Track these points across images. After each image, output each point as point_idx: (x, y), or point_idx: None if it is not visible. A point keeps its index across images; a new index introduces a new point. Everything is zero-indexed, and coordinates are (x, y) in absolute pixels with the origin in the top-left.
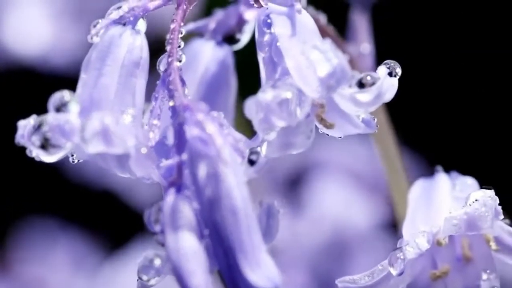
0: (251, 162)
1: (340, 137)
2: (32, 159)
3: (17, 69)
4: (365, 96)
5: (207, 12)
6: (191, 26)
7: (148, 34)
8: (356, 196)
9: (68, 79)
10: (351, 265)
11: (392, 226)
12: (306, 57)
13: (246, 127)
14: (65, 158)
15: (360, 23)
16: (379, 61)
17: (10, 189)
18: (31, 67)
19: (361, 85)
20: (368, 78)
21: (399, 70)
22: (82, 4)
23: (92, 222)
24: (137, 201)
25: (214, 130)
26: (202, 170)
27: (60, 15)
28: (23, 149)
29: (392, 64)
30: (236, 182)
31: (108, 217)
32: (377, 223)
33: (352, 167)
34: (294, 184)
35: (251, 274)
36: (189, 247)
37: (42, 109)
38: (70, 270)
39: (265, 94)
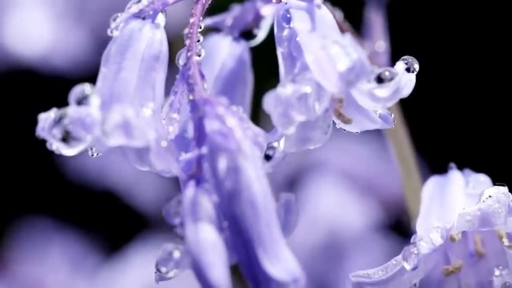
0: (267, 157)
1: (357, 133)
2: (31, 159)
3: (19, 70)
4: (383, 91)
5: (219, 7)
6: (208, 21)
7: (167, 29)
8: (352, 197)
9: (69, 80)
10: (347, 266)
11: (388, 227)
12: (326, 52)
13: (260, 123)
14: (65, 158)
15: (375, 20)
16: (394, 58)
17: (10, 189)
18: (32, 68)
19: (379, 80)
20: (387, 73)
21: (416, 66)
22: (84, 5)
23: (91, 222)
24: (137, 201)
25: (234, 124)
26: (222, 163)
27: (62, 16)
28: (22, 149)
29: (410, 60)
30: (256, 175)
31: (108, 217)
32: (372, 224)
33: (349, 169)
34: (290, 184)
35: (270, 267)
36: (208, 239)
37: (43, 110)
38: (69, 271)
39: (285, 89)
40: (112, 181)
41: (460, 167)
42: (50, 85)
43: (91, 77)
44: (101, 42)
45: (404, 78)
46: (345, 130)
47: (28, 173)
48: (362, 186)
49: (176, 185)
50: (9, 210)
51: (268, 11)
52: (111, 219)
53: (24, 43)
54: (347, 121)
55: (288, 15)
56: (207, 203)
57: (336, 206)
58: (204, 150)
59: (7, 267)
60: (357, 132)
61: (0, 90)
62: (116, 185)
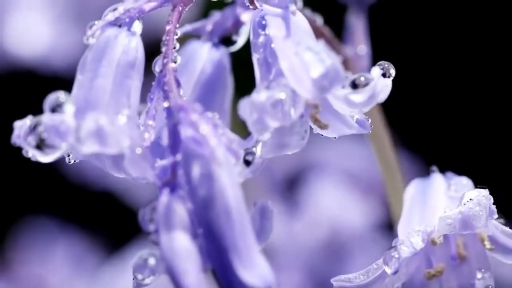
0: (247, 163)
1: (335, 138)
2: (32, 160)
3: (18, 71)
4: (358, 96)
5: (204, 14)
6: (188, 27)
7: (144, 36)
8: (353, 197)
9: (68, 81)
10: (348, 266)
11: (388, 227)
12: (300, 58)
13: (242, 129)
14: (64, 159)
15: (357, 24)
16: (375, 62)
17: (10, 189)
18: (31, 69)
19: (354, 86)
20: (362, 79)
21: (392, 71)
22: (82, 7)
23: (91, 222)
24: (136, 202)
25: (208, 131)
26: (196, 170)
27: (60, 17)
28: (22, 150)
29: (386, 65)
30: (229, 182)
31: (108, 218)
32: (373, 223)
33: (349, 168)
34: (291, 184)
35: (244, 273)
36: (182, 246)
37: (42, 111)
38: (69, 271)
39: (259, 95)
40: (111, 182)
41: (442, 170)
42: (49, 86)
43: None
44: None
45: (380, 83)
46: (322, 135)
47: (28, 174)
48: (363, 185)
49: None
50: (11, 210)
51: (247, 18)
52: (111, 220)
53: (23, 44)
54: (323, 127)
55: (263, 22)
56: (182, 210)
57: (337, 206)
58: (179, 157)
59: (9, 267)
60: (335, 138)
61: None
62: (115, 185)
